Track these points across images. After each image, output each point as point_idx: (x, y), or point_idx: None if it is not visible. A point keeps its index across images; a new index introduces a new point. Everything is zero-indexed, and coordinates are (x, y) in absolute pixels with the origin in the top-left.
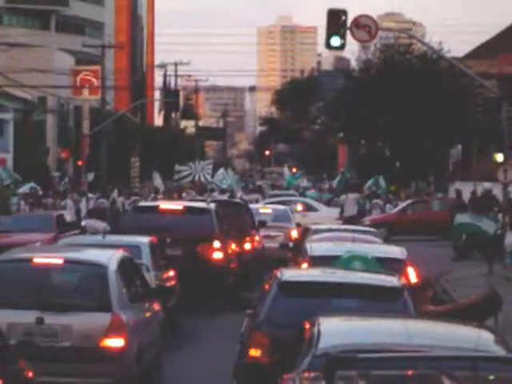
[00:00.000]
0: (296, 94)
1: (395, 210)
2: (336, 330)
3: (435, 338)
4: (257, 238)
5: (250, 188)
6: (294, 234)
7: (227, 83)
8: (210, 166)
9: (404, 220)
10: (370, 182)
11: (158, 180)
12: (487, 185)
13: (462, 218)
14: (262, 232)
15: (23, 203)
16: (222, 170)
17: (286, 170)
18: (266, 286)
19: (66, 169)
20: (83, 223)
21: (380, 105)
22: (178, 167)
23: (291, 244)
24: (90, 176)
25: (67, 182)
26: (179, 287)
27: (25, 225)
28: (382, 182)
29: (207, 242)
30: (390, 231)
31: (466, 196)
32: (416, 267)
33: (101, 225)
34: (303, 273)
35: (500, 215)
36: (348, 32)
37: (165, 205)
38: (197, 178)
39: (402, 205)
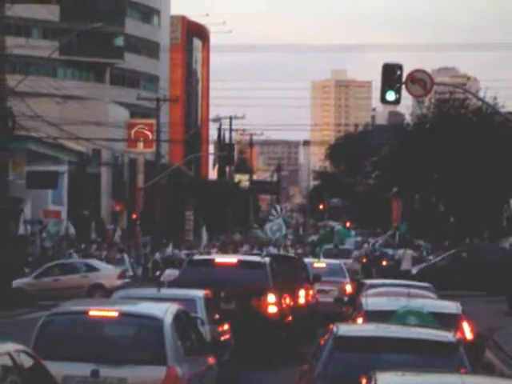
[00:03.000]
0: (350, 149)
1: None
2: None
3: None
4: (311, 292)
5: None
6: (349, 288)
7: (281, 137)
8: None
9: None
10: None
11: (203, 234)
12: None
13: None
14: (317, 286)
15: (76, 255)
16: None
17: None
18: (322, 341)
19: (119, 221)
20: (158, 273)
21: (434, 159)
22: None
23: (346, 298)
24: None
25: (120, 236)
26: (233, 341)
27: None
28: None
29: (262, 296)
30: None
31: None
32: (471, 322)
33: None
34: (359, 328)
35: None
36: (403, 87)
37: (219, 258)
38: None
39: None
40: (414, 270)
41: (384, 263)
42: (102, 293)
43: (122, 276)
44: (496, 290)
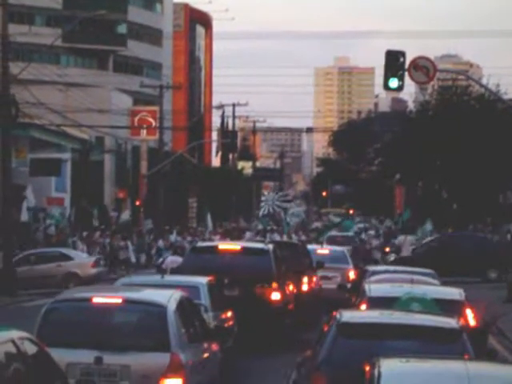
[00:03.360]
0: (353, 136)
1: None
2: (396, 372)
3: (496, 380)
4: (314, 279)
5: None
6: (352, 274)
7: (284, 124)
8: (288, 199)
9: None
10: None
11: (208, 222)
12: None
13: None
14: (320, 273)
15: (80, 243)
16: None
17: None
18: (325, 328)
19: (123, 209)
20: (160, 260)
21: (437, 146)
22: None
23: (349, 285)
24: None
25: (125, 221)
26: (237, 328)
27: None
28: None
29: (265, 282)
30: None
31: None
32: (475, 309)
33: (181, 261)
34: (362, 314)
35: None
36: (406, 74)
37: (223, 245)
38: (270, 209)
39: None
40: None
41: (387, 250)
42: (76, 281)
43: (96, 265)
44: (468, 275)
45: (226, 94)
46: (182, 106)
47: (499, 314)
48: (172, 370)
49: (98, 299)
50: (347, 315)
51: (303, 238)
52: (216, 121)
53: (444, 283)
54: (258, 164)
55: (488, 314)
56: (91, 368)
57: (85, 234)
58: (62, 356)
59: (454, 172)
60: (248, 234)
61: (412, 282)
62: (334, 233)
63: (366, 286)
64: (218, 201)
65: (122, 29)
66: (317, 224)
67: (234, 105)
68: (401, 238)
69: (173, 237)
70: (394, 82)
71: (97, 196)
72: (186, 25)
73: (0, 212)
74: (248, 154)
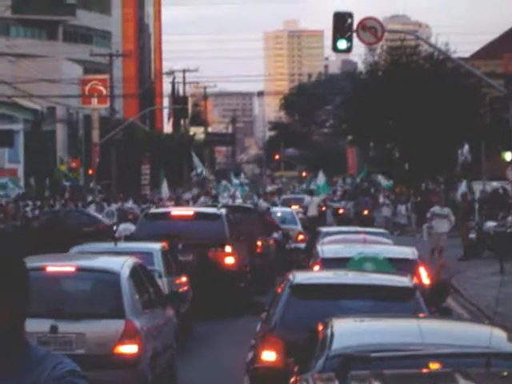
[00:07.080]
0: (304, 98)
1: None
2: (349, 331)
3: (448, 336)
4: (267, 241)
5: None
6: (301, 236)
7: (235, 89)
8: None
9: None
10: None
11: (164, 188)
12: (495, 184)
13: None
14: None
15: (31, 213)
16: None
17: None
18: (279, 289)
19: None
20: (115, 227)
21: (388, 106)
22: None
23: (294, 245)
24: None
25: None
26: (191, 293)
27: None
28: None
29: (219, 247)
30: None
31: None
32: (428, 267)
33: (134, 228)
34: (315, 275)
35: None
36: (354, 35)
37: (176, 211)
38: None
39: None
40: None
41: (340, 211)
42: None
43: None
44: None
45: (176, 60)
46: (133, 73)
47: (453, 272)
48: (127, 336)
49: (51, 268)
50: (300, 276)
51: (264, 204)
52: (167, 87)
53: None
54: (210, 129)
55: (446, 272)
56: (47, 337)
57: (39, 203)
58: None
59: (406, 131)
60: (202, 199)
61: (364, 241)
62: (289, 195)
63: (319, 247)
64: (171, 167)
65: None
66: (270, 188)
67: (184, 71)
68: (308, 198)
69: (129, 204)
70: (342, 44)
71: (50, 166)
72: None
73: None
74: (200, 120)
